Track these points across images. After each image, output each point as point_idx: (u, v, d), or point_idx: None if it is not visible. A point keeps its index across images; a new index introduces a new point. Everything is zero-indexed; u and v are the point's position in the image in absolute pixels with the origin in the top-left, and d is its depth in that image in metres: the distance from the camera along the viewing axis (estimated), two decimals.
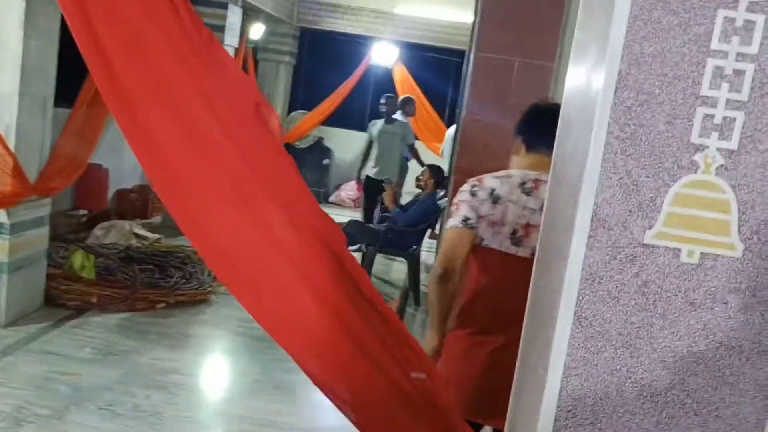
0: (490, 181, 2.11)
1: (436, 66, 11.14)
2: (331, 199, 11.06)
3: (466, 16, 9.90)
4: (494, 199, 2.07)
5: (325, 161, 10.95)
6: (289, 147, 10.75)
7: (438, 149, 10.15)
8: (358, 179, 8.10)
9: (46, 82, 4.61)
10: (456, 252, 2.06)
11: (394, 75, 10.57)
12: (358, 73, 10.48)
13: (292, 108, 10.89)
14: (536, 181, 2.08)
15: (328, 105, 10.43)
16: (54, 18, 4.55)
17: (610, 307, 1.13)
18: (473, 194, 2.10)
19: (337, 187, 11.18)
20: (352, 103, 11.03)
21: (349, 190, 11.01)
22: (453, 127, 8.03)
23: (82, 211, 6.91)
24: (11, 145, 4.30)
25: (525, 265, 1.67)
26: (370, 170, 7.72)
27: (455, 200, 2.15)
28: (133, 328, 4.71)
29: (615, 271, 1.12)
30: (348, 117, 11.30)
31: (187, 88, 1.71)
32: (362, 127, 11.14)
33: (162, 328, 4.76)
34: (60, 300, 4.82)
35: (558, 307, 1.15)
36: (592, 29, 1.25)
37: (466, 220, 2.07)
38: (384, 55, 10.44)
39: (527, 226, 2.04)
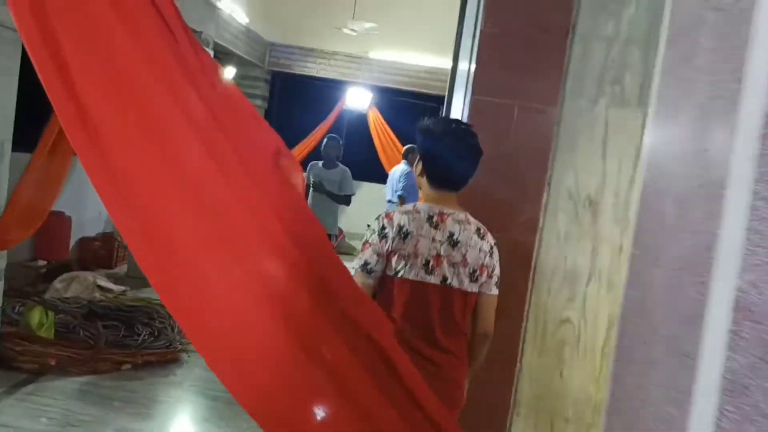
0: (398, 217, 2.28)
1: (410, 110, 11.02)
2: None
3: (441, 61, 9.81)
4: (404, 235, 2.25)
5: None
6: None
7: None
8: None
9: (5, 125, 4.26)
10: (369, 287, 2.27)
11: (369, 119, 10.40)
12: (331, 117, 10.30)
13: None
14: (441, 214, 2.28)
15: (301, 150, 10.17)
16: (14, 57, 4.24)
17: (762, 428, 0.85)
18: (381, 236, 2.26)
19: None
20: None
21: None
22: (400, 166, 7.57)
23: (42, 262, 6.48)
24: None
25: (436, 290, 2.21)
26: None
27: (364, 238, 2.33)
28: (95, 393, 4.28)
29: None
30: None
31: (178, 121, 1.42)
32: None
33: (128, 392, 4.34)
34: (14, 362, 4.37)
35: (686, 429, 0.86)
36: (703, 65, 1.00)
37: (366, 265, 2.26)
38: (358, 99, 10.28)
39: (438, 256, 2.24)
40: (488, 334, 2.35)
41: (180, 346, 5.04)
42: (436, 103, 10.38)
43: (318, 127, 10.24)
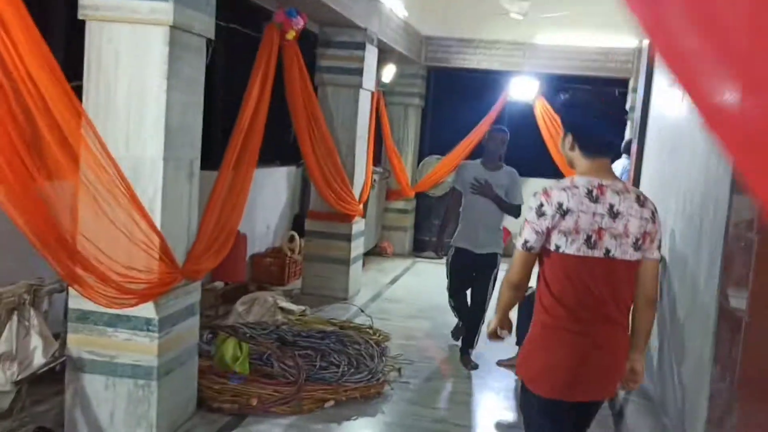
0: (557, 194, 2.28)
1: None
2: None
3: (618, 39, 8.82)
4: (563, 212, 2.26)
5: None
6: (422, 196, 9.84)
7: None
8: (438, 249, 5.62)
9: (193, 141, 3.82)
10: (520, 270, 2.39)
11: (536, 110, 9.53)
12: (494, 111, 9.52)
13: (423, 153, 10.03)
14: (601, 186, 2.28)
15: (464, 148, 9.50)
16: (199, 67, 3.79)
17: None
18: (540, 214, 2.29)
19: None
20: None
21: None
22: (621, 162, 6.86)
23: (219, 284, 6.19)
24: (157, 221, 3.49)
25: (600, 263, 2.28)
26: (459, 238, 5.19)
27: (524, 217, 2.38)
28: None
29: None
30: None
31: None
32: None
33: None
34: (214, 403, 3.96)
35: None
36: None
37: (525, 243, 2.34)
38: (522, 89, 9.43)
39: (599, 230, 2.27)
40: (651, 299, 2.39)
41: (383, 377, 4.48)
42: (616, 85, 9.35)
43: (480, 123, 9.51)
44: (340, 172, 6.51)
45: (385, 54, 8.20)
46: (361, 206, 7.16)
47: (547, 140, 9.47)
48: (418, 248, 9.86)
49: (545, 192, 2.31)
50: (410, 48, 8.71)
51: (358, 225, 7.06)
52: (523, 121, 9.96)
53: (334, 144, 6.41)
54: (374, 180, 8.56)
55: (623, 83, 9.33)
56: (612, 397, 2.89)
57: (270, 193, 7.44)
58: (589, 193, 2.27)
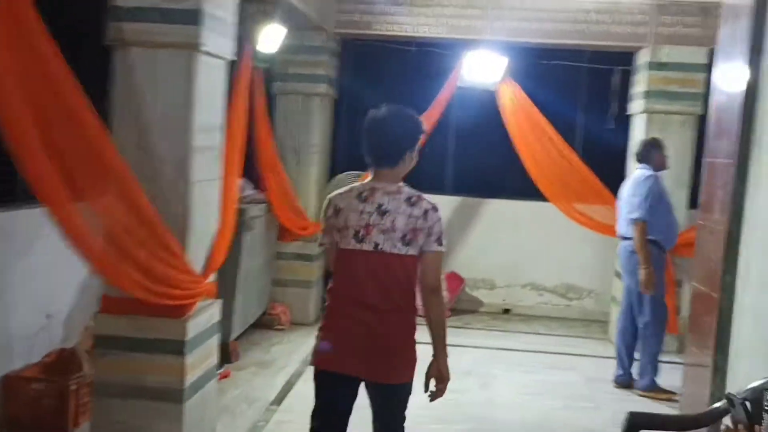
0: (335, 198, 2.69)
1: (575, 78, 6.97)
2: None
3: None
4: (337, 211, 2.64)
5: None
6: None
7: (575, 212, 6.01)
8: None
9: None
10: (326, 262, 2.87)
11: (501, 99, 6.38)
12: (439, 102, 6.33)
13: (336, 167, 6.71)
14: (371, 189, 2.62)
15: None
16: None
17: None
18: (325, 214, 2.71)
19: None
20: (432, 152, 6.87)
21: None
22: (641, 172, 4.94)
23: None
24: None
25: (368, 256, 2.56)
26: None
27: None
28: None
29: None
30: (426, 173, 7.14)
31: None
32: (442, 188, 7.07)
33: None
34: None
35: None
36: None
37: (320, 241, 2.79)
38: (482, 68, 6.27)
39: (367, 226, 2.57)
40: (431, 287, 2.59)
41: None
42: (617, 62, 6.35)
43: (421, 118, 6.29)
44: (147, 218, 3.20)
45: (263, 5, 4.88)
46: (211, 277, 3.85)
47: (517, 143, 6.35)
48: None
49: (329, 198, 2.72)
50: (310, 4, 5.41)
51: (202, 319, 3.72)
52: (483, 117, 6.84)
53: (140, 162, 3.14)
54: (251, 218, 5.21)
55: (627, 58, 6.30)
56: (406, 383, 2.66)
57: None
58: (360, 194, 2.61)
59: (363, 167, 6.60)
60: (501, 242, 7.08)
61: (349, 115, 7.16)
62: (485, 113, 6.77)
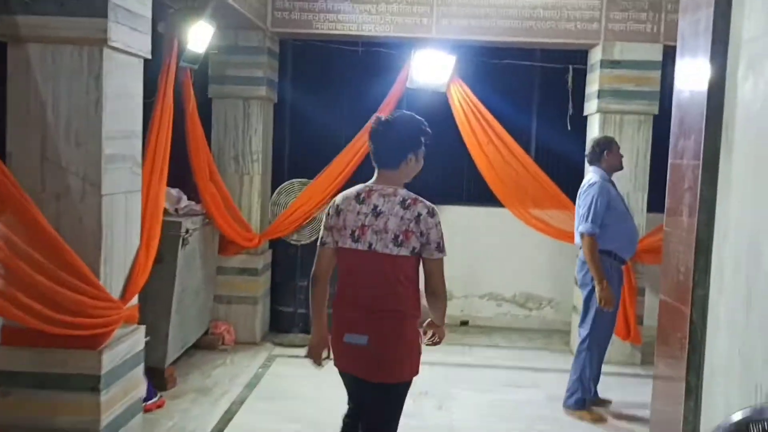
0: (338, 198, 2.79)
1: (527, 78, 6.72)
2: None
3: None
4: (337, 211, 2.74)
5: None
6: (280, 245, 6.18)
7: (532, 218, 5.76)
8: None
9: None
10: (319, 263, 2.83)
11: (450, 100, 6.09)
12: (387, 105, 6.01)
13: (278, 176, 6.33)
14: (369, 191, 2.71)
15: (343, 165, 5.95)
16: None
17: None
18: (327, 214, 2.79)
19: None
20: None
21: None
22: (588, 178, 4.62)
23: None
24: None
25: (362, 255, 2.65)
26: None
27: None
28: None
29: None
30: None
31: None
32: None
33: None
34: None
35: None
36: None
37: (319, 239, 2.81)
38: (431, 69, 5.98)
39: (362, 227, 2.65)
40: (436, 293, 2.77)
41: None
42: (569, 59, 6.14)
43: (366, 126, 5.98)
44: (46, 239, 2.81)
45: (192, 1, 4.50)
46: (133, 300, 3.46)
47: (470, 146, 6.07)
48: (278, 328, 6.19)
49: (333, 198, 2.83)
50: (243, 0, 5.05)
51: (122, 348, 3.32)
52: (434, 119, 6.53)
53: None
54: (187, 231, 4.80)
55: (580, 56, 6.09)
56: (398, 383, 2.72)
57: None
58: (358, 196, 2.71)
59: (309, 174, 6.37)
60: (457, 251, 6.72)
61: (293, 119, 6.79)
62: (436, 116, 6.40)
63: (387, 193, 2.67)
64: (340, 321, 2.78)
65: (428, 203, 2.70)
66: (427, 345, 2.87)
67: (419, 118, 2.81)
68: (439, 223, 2.69)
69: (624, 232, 4.55)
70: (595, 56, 5.70)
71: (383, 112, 6.07)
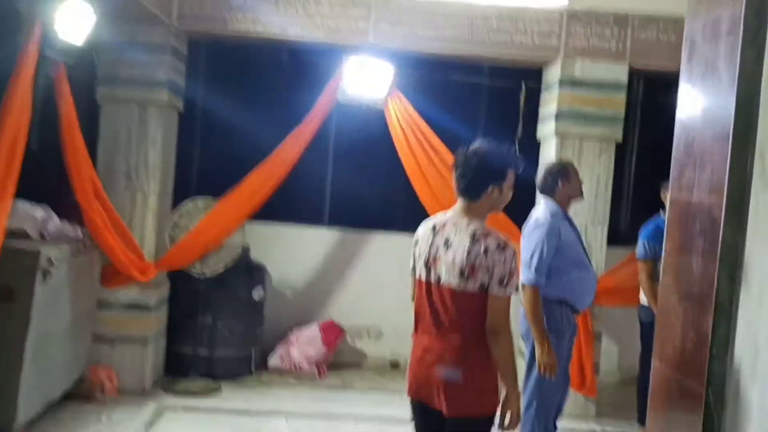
0: (420, 227, 2.81)
1: (466, 97, 6.02)
2: (272, 363, 5.57)
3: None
4: (416, 241, 2.78)
5: (256, 294, 5.45)
6: (180, 277, 5.24)
7: None
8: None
9: None
10: (411, 288, 2.85)
11: (388, 116, 5.31)
12: (313, 118, 5.18)
13: (181, 193, 5.36)
14: (444, 223, 2.69)
15: (259, 183, 5.07)
16: None
17: None
18: (414, 243, 2.80)
19: (282, 340, 5.69)
20: (304, 176, 5.72)
21: (308, 343, 5.57)
22: (543, 211, 3.88)
23: None
24: None
25: (432, 287, 2.65)
26: None
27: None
28: None
29: None
30: (301, 202, 5.96)
31: None
32: (319, 219, 6.00)
33: None
34: None
35: None
36: None
37: (411, 267, 2.82)
38: (365, 79, 5.20)
39: (435, 258, 2.64)
40: (491, 330, 2.56)
41: None
42: (523, 77, 5.49)
43: (287, 140, 5.15)
44: None
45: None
46: None
47: (408, 168, 5.29)
48: (175, 371, 5.21)
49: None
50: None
51: None
52: (368, 137, 5.80)
53: None
54: (49, 262, 3.80)
55: (534, 75, 5.44)
56: (464, 417, 2.63)
57: None
58: (434, 227, 2.70)
59: (217, 192, 5.45)
60: (388, 283, 5.97)
61: (204, 131, 5.87)
62: (371, 132, 5.68)
63: (460, 225, 2.63)
64: (414, 349, 2.78)
65: (502, 237, 2.58)
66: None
67: (507, 148, 2.72)
68: (511, 259, 2.55)
69: (579, 280, 3.80)
70: (553, 74, 5.05)
71: (308, 127, 5.33)
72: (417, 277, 2.73)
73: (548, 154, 5.08)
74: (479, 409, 2.63)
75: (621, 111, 4.95)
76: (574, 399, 4.81)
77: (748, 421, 2.17)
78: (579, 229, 4.06)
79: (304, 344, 5.55)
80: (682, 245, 2.57)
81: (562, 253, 3.72)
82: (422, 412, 2.76)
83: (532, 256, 3.66)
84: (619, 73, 4.93)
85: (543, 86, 5.30)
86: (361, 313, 5.99)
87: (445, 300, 2.58)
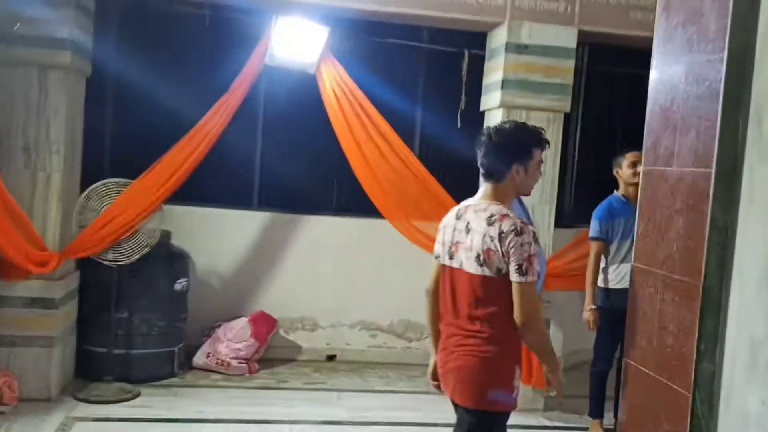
0: (447, 214, 2.76)
1: (404, 63, 5.61)
2: (198, 361, 5.09)
3: None
4: (442, 227, 2.74)
5: (179, 285, 4.94)
6: (91, 266, 4.70)
7: (417, 232, 4.87)
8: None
9: None
10: (433, 276, 2.78)
11: (321, 84, 4.85)
12: (239, 86, 4.70)
13: (94, 175, 4.77)
14: (467, 207, 2.64)
15: (180, 161, 4.57)
16: None
17: None
18: (440, 229, 2.75)
19: (209, 335, 5.21)
20: (231, 152, 5.24)
21: (237, 338, 5.11)
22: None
23: None
24: None
25: (453, 273, 2.60)
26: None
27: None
28: None
29: None
30: (228, 182, 5.47)
31: None
32: (248, 201, 5.55)
33: None
34: None
35: None
36: None
37: (436, 253, 2.77)
38: (296, 43, 4.73)
39: (456, 243, 2.59)
40: (520, 322, 2.45)
41: None
42: (464, 43, 5.12)
43: (212, 112, 4.67)
44: None
45: None
46: None
47: (343, 142, 4.86)
48: (87, 374, 4.67)
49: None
50: None
51: None
52: (301, 107, 5.36)
53: None
54: None
55: (478, 40, 5.07)
56: (477, 409, 2.55)
57: None
58: (457, 212, 2.67)
59: (132, 171, 4.94)
60: (323, 271, 5.56)
61: (117, 100, 5.28)
62: (304, 104, 5.23)
63: (479, 209, 2.58)
64: (440, 337, 2.73)
65: (518, 220, 2.47)
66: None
67: (534, 126, 2.64)
68: (530, 243, 2.43)
69: None
70: (499, 39, 4.69)
71: (234, 95, 4.83)
72: (441, 263, 2.68)
73: None
74: (483, 402, 2.54)
75: (570, 79, 4.64)
76: (522, 392, 4.52)
77: (744, 430, 1.86)
78: (528, 208, 3.74)
79: (233, 339, 5.07)
80: (659, 225, 2.23)
81: None
82: (454, 405, 2.69)
83: None
84: (568, 38, 4.62)
85: (487, 53, 4.94)
86: (295, 303, 5.55)
87: (466, 286, 2.53)
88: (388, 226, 4.97)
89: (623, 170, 4.26)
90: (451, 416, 4.45)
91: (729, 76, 1.91)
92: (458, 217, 2.65)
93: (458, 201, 4.65)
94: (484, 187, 2.63)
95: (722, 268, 1.93)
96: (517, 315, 2.45)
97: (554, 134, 4.69)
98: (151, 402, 4.45)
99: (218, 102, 4.65)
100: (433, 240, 5.12)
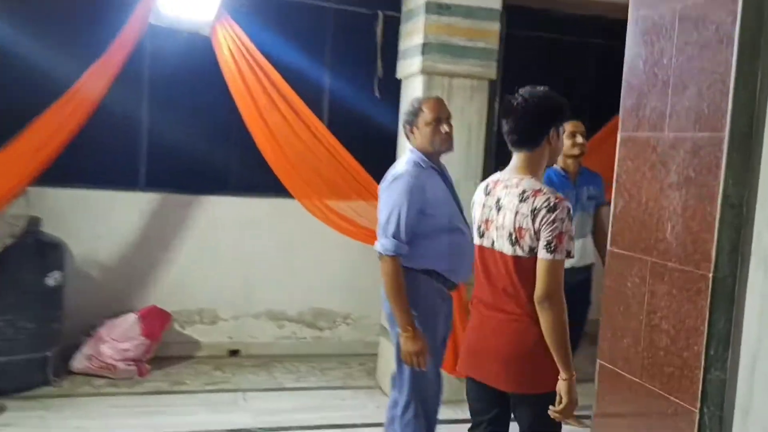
0: (477, 190, 2.63)
1: (311, 27, 5.05)
2: (78, 366, 4.41)
3: None
4: (473, 203, 2.62)
5: (51, 279, 4.23)
6: None
7: (329, 213, 4.49)
8: None
9: None
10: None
11: (217, 45, 4.24)
12: (120, 47, 4.04)
13: None
14: (496, 182, 2.50)
15: (50, 132, 3.88)
16: None
17: None
18: (471, 205, 2.64)
19: (90, 336, 4.52)
20: (112, 124, 4.55)
21: (123, 337, 4.46)
22: (406, 162, 3.14)
23: None
24: None
25: (485, 252, 2.47)
26: None
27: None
28: None
29: None
30: (109, 160, 4.76)
31: None
32: (134, 181, 4.90)
33: None
34: None
35: None
36: None
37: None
38: (185, 2, 4.10)
39: (486, 221, 2.47)
40: (538, 297, 2.33)
41: None
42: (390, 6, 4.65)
43: (86, 75, 4.00)
44: None
45: None
46: None
47: (245, 112, 4.30)
48: None
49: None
50: None
51: None
52: (193, 74, 4.74)
53: None
54: None
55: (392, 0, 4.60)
56: (516, 392, 2.46)
57: None
58: (486, 187, 2.53)
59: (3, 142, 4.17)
60: (223, 258, 4.98)
61: None
62: (196, 69, 4.60)
63: (510, 184, 2.42)
64: (472, 320, 2.61)
65: (552, 195, 2.32)
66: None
67: (551, 90, 2.48)
68: (563, 219, 2.29)
69: (453, 246, 3.06)
70: None
71: (114, 57, 4.13)
72: (475, 242, 2.56)
73: (412, 97, 4.29)
74: (539, 385, 2.42)
75: (495, 44, 4.26)
76: (446, 382, 4.15)
77: None
78: (454, 182, 3.32)
79: (119, 338, 4.41)
80: (645, 204, 1.85)
81: (428, 213, 2.97)
82: (477, 390, 2.57)
83: (388, 219, 2.93)
84: None
85: (403, 15, 4.48)
86: (192, 294, 4.94)
87: (500, 266, 2.41)
88: (298, 206, 4.45)
89: (562, 141, 3.93)
90: (371, 414, 4.02)
91: (745, 16, 1.54)
92: (487, 193, 2.51)
93: (376, 178, 4.29)
94: (514, 159, 2.46)
95: (737, 255, 1.57)
96: (536, 290, 2.31)
97: (478, 104, 4.29)
98: (20, 417, 3.77)
99: (93, 65, 3.97)
100: (346, 220, 4.77)
